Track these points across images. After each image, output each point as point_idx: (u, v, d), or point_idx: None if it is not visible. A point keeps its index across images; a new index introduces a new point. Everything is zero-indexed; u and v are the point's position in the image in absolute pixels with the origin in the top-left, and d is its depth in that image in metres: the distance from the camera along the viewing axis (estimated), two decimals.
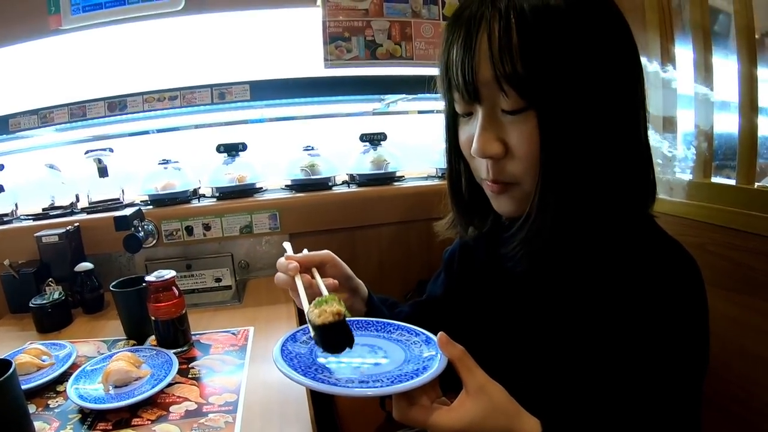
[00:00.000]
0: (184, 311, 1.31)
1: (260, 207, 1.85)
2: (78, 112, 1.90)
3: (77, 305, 1.63)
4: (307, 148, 2.03)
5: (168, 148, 2.01)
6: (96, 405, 1.02)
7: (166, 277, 1.27)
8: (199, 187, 1.97)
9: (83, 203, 1.93)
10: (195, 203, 1.89)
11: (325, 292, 0.85)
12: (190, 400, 1.06)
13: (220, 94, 1.91)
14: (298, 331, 0.84)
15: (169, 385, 1.11)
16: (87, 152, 1.85)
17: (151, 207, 1.84)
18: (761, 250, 1.08)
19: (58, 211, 1.87)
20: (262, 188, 1.98)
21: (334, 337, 0.76)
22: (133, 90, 1.93)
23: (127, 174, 1.97)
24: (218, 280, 1.82)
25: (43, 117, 1.89)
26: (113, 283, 1.39)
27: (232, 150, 1.95)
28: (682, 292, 0.70)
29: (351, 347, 0.77)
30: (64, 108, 1.90)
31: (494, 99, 0.71)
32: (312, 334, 0.78)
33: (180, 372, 1.17)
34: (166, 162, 1.92)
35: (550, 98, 0.67)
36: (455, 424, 0.66)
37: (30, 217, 1.85)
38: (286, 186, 2.01)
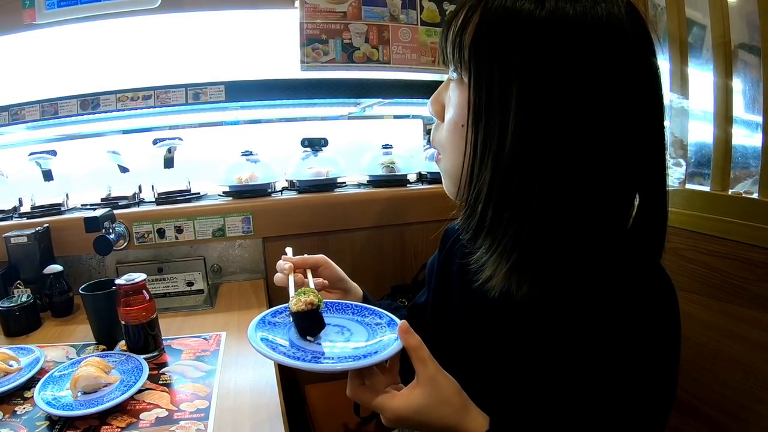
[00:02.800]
0: (154, 315, 1.29)
1: (233, 210, 1.83)
2: (50, 109, 1.86)
3: (46, 308, 1.60)
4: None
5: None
6: (64, 412, 0.99)
7: (137, 280, 1.25)
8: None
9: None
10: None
11: (312, 286, 0.95)
12: (161, 407, 1.05)
13: (194, 94, 1.88)
14: (278, 310, 0.94)
15: (140, 391, 1.09)
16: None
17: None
18: (734, 255, 1.10)
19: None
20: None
21: (307, 322, 0.85)
22: (106, 88, 1.89)
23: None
24: (190, 284, 1.80)
25: (14, 114, 1.85)
26: (83, 287, 1.37)
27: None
28: (657, 320, 0.70)
29: (320, 331, 0.86)
30: (36, 105, 1.86)
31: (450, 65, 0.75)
32: (290, 320, 0.88)
33: (150, 378, 1.16)
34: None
35: (481, 72, 0.67)
36: (400, 410, 0.70)
37: None
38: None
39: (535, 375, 0.76)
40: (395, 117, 2.35)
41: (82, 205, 1.93)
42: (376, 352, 0.77)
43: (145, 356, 1.25)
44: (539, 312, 0.76)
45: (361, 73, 1.99)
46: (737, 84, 1.13)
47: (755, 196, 1.08)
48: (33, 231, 1.63)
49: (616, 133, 0.66)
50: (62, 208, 1.87)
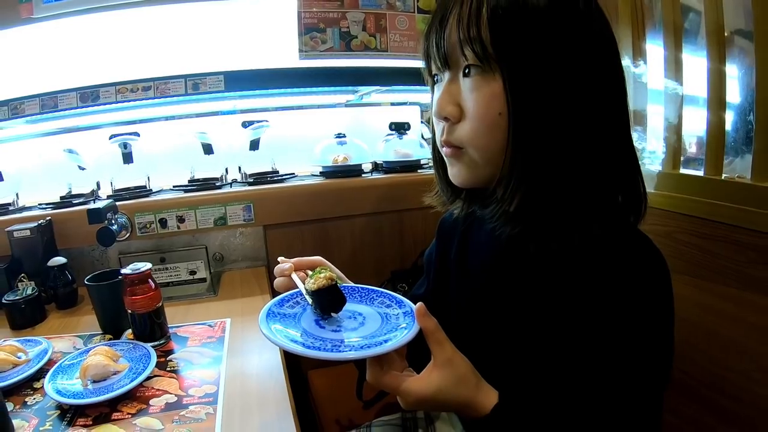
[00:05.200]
0: (160, 304, 1.31)
1: (234, 199, 1.85)
2: (49, 102, 1.87)
3: (50, 301, 1.61)
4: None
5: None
6: (75, 400, 1.01)
7: (143, 269, 1.26)
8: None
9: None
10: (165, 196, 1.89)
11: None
12: (170, 393, 1.07)
13: (194, 84, 1.89)
14: (283, 299, 0.93)
15: (148, 378, 1.11)
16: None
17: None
18: (727, 238, 1.12)
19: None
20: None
21: (329, 299, 0.87)
22: (106, 80, 1.90)
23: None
24: (193, 272, 1.81)
25: (13, 108, 1.86)
26: (88, 277, 1.39)
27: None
28: (648, 285, 0.73)
29: (342, 307, 0.88)
30: (35, 99, 1.87)
31: (459, 64, 0.77)
32: (310, 301, 0.89)
33: (158, 365, 1.17)
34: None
35: (514, 65, 0.71)
36: (424, 391, 0.72)
37: None
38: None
39: (536, 347, 0.79)
40: (392, 104, 2.36)
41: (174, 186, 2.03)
42: (390, 338, 0.78)
43: (152, 344, 1.26)
44: (534, 282, 0.80)
45: (359, 61, 2.00)
46: (733, 70, 1.15)
47: (748, 180, 1.10)
48: (36, 224, 1.64)
49: (604, 96, 0.74)
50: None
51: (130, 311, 1.28)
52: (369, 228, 2.01)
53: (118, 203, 1.74)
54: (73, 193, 1.97)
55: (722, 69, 1.15)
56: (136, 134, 1.95)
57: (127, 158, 1.94)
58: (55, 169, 1.98)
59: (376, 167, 2.18)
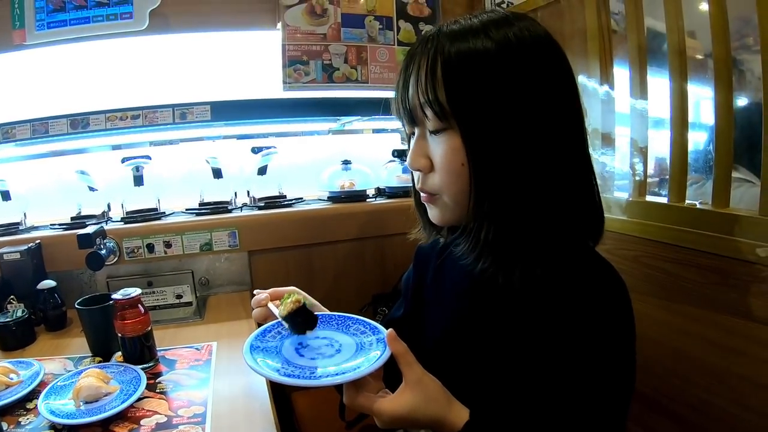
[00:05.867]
0: (149, 328, 1.34)
1: (219, 225, 1.90)
2: (40, 128, 1.91)
3: (40, 323, 1.63)
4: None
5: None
6: (68, 420, 1.04)
7: (133, 295, 1.30)
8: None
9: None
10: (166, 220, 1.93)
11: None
12: (160, 413, 1.10)
13: (181, 114, 1.95)
14: (265, 330, 0.98)
15: (139, 399, 1.14)
16: None
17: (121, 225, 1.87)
18: (690, 262, 1.18)
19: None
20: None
21: (299, 320, 0.93)
22: (95, 108, 1.94)
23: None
24: (179, 296, 1.85)
25: (5, 133, 1.90)
26: (78, 301, 1.41)
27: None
28: (609, 308, 0.79)
29: (315, 325, 0.95)
30: (26, 124, 1.90)
31: (425, 123, 0.83)
32: (286, 326, 0.95)
33: (148, 387, 1.20)
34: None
35: (468, 121, 0.77)
36: (394, 412, 0.78)
37: None
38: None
39: (506, 369, 0.85)
40: (374, 131, 2.43)
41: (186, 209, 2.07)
42: (363, 364, 0.84)
43: (141, 367, 1.29)
44: (504, 309, 0.86)
45: (340, 92, 2.07)
46: (706, 92, 1.18)
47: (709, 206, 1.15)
48: (26, 247, 1.67)
49: (560, 131, 0.80)
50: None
51: (120, 335, 1.31)
52: (352, 253, 2.06)
53: (113, 227, 1.79)
54: (83, 214, 2.00)
55: (685, 88, 1.21)
56: (148, 157, 2.00)
57: (138, 181, 1.98)
58: (65, 190, 2.01)
59: (380, 192, 2.24)
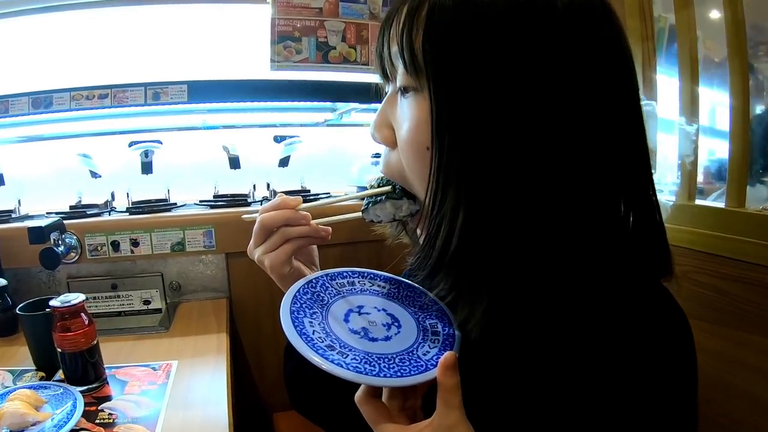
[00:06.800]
0: (95, 342, 1.17)
1: (194, 222, 1.73)
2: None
3: None
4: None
5: None
6: None
7: (74, 302, 1.13)
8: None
9: None
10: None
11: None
12: None
13: (154, 94, 1.77)
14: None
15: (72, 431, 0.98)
16: None
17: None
18: (752, 280, 1.04)
19: None
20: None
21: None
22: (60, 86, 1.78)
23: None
24: (147, 302, 1.70)
25: None
26: (21, 305, 1.26)
27: None
28: (671, 356, 0.59)
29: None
30: None
31: (396, 77, 0.64)
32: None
33: (86, 415, 1.04)
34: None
35: (444, 78, 0.56)
36: None
37: None
38: None
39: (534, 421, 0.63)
40: None
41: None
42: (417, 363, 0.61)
43: (84, 388, 1.13)
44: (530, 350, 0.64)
45: (337, 74, 1.90)
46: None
47: None
48: None
49: (598, 132, 0.57)
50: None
51: (59, 350, 1.14)
52: (344, 258, 1.88)
53: (87, 220, 1.69)
54: (84, 202, 1.89)
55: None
56: (159, 142, 1.88)
57: (147, 168, 1.85)
58: (65, 175, 1.91)
59: None
